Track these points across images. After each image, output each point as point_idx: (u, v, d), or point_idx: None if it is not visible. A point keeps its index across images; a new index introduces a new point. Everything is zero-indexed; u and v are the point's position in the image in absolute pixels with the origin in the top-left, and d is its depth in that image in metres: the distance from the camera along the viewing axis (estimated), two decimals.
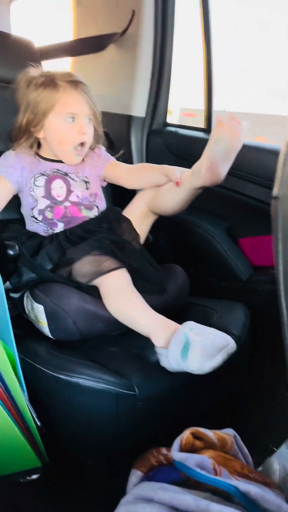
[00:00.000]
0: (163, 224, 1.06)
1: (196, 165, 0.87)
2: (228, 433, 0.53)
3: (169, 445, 0.51)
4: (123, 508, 0.42)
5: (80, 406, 0.75)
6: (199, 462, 0.45)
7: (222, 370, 0.71)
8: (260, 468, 0.52)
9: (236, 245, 1.16)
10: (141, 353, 0.83)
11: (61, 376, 0.74)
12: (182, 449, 0.49)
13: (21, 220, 1.02)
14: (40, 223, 0.98)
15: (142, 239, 0.99)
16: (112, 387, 0.73)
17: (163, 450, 0.53)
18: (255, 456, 0.56)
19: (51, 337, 0.86)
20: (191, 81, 1.31)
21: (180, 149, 1.27)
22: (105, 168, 1.05)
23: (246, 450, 0.55)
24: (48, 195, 0.98)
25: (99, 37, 1.33)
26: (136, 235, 0.96)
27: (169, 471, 0.49)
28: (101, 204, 1.04)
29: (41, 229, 0.98)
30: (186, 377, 0.75)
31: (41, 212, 0.97)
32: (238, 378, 0.95)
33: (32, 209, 0.98)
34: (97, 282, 0.86)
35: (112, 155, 1.09)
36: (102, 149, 1.07)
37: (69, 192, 0.99)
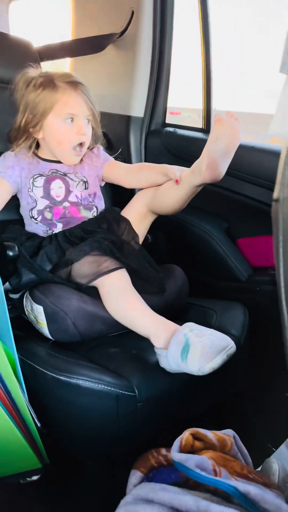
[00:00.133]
0: (162, 224, 1.06)
1: (196, 163, 0.87)
2: (228, 434, 0.53)
3: (169, 445, 0.51)
4: (123, 509, 0.42)
5: (80, 407, 0.75)
6: (199, 463, 0.45)
7: (221, 371, 0.71)
8: (259, 469, 0.53)
9: (235, 245, 1.17)
10: (141, 354, 0.83)
11: (61, 377, 0.74)
12: (182, 450, 0.49)
13: (20, 221, 1.02)
14: (39, 223, 0.98)
15: (141, 239, 0.99)
16: (112, 388, 0.73)
17: (163, 451, 0.53)
18: (255, 457, 0.56)
19: (51, 338, 0.86)
20: (177, 80, 1.32)
21: (179, 149, 1.27)
22: (103, 168, 1.05)
23: (245, 451, 0.55)
24: (47, 195, 0.98)
25: (98, 38, 1.33)
26: (135, 235, 0.96)
27: (169, 471, 0.49)
28: (100, 204, 1.05)
29: (40, 230, 0.98)
30: (185, 378, 0.75)
31: (40, 212, 0.97)
32: (237, 378, 0.95)
33: (31, 209, 0.98)
34: (97, 282, 0.86)
35: (111, 155, 1.09)
36: (100, 149, 1.07)
37: (68, 192, 0.99)
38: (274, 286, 1.05)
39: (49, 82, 0.94)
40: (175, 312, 0.97)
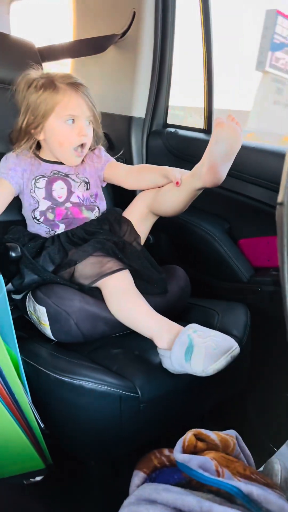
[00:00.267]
0: (164, 225, 1.06)
1: (197, 166, 0.87)
2: (230, 435, 0.53)
3: (171, 446, 0.51)
4: (126, 509, 0.43)
5: (83, 408, 0.75)
6: (201, 464, 0.45)
7: (223, 371, 0.71)
8: (261, 469, 0.53)
9: (236, 246, 1.17)
10: (144, 355, 0.84)
11: (64, 378, 0.74)
12: (185, 450, 0.49)
13: (22, 222, 1.02)
14: (42, 224, 0.98)
15: (142, 240, 0.99)
16: (115, 389, 0.73)
17: (166, 452, 0.53)
18: (257, 457, 0.56)
19: (54, 339, 0.86)
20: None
21: (180, 150, 1.27)
22: (105, 168, 1.05)
23: (248, 451, 0.55)
24: (49, 196, 0.98)
25: (100, 38, 1.33)
26: (136, 236, 0.96)
27: (172, 472, 0.49)
28: (102, 204, 1.05)
29: (42, 231, 0.99)
30: (188, 379, 0.75)
31: (43, 213, 0.98)
32: (239, 379, 0.95)
33: (34, 210, 0.98)
34: (100, 283, 0.87)
35: (112, 155, 1.09)
36: (102, 150, 1.07)
37: (70, 193, 0.99)
38: (276, 287, 1.05)
39: (50, 83, 0.94)
40: (177, 312, 0.97)
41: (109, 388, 0.73)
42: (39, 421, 0.74)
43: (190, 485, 0.46)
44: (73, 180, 1.01)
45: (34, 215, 0.98)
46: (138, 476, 0.50)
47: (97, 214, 1.03)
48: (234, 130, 0.84)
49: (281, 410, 0.93)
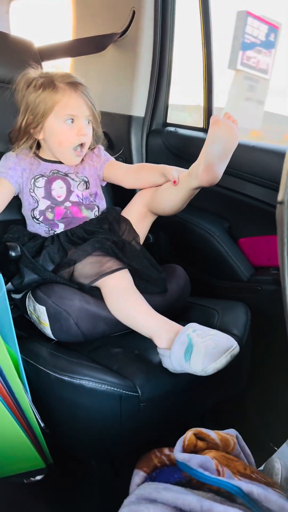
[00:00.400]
0: (163, 224, 1.06)
1: (193, 166, 0.87)
2: (231, 434, 0.53)
3: (171, 445, 0.51)
4: (127, 509, 0.43)
5: (83, 407, 0.75)
6: (202, 463, 0.45)
7: (223, 371, 0.71)
8: (261, 468, 0.53)
9: (236, 245, 1.17)
10: (144, 354, 0.84)
11: (64, 378, 0.74)
12: (185, 449, 0.49)
13: (22, 221, 1.02)
14: (41, 223, 0.98)
15: (142, 239, 0.99)
16: (115, 389, 0.73)
17: (166, 451, 0.53)
18: (257, 456, 0.56)
19: (53, 338, 0.86)
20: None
21: (180, 148, 1.27)
22: (104, 168, 1.05)
23: (248, 450, 0.55)
24: (48, 195, 0.98)
25: (99, 37, 1.33)
26: (135, 235, 0.96)
27: (172, 471, 0.49)
28: (102, 203, 1.05)
29: (42, 230, 0.99)
30: (188, 378, 0.75)
31: (42, 213, 0.98)
32: (239, 378, 0.95)
33: (33, 210, 0.98)
34: (99, 283, 0.87)
35: (112, 154, 1.09)
36: (101, 149, 1.07)
37: (69, 192, 0.99)
38: (276, 286, 1.05)
39: (49, 83, 0.94)
40: (177, 312, 0.97)
41: (109, 388, 0.73)
42: (39, 420, 0.74)
43: (190, 484, 0.46)
44: (73, 179, 1.01)
45: (33, 215, 0.98)
46: (138, 475, 0.50)
47: (96, 213, 1.03)
48: (231, 128, 0.84)
49: (281, 409, 0.93)
